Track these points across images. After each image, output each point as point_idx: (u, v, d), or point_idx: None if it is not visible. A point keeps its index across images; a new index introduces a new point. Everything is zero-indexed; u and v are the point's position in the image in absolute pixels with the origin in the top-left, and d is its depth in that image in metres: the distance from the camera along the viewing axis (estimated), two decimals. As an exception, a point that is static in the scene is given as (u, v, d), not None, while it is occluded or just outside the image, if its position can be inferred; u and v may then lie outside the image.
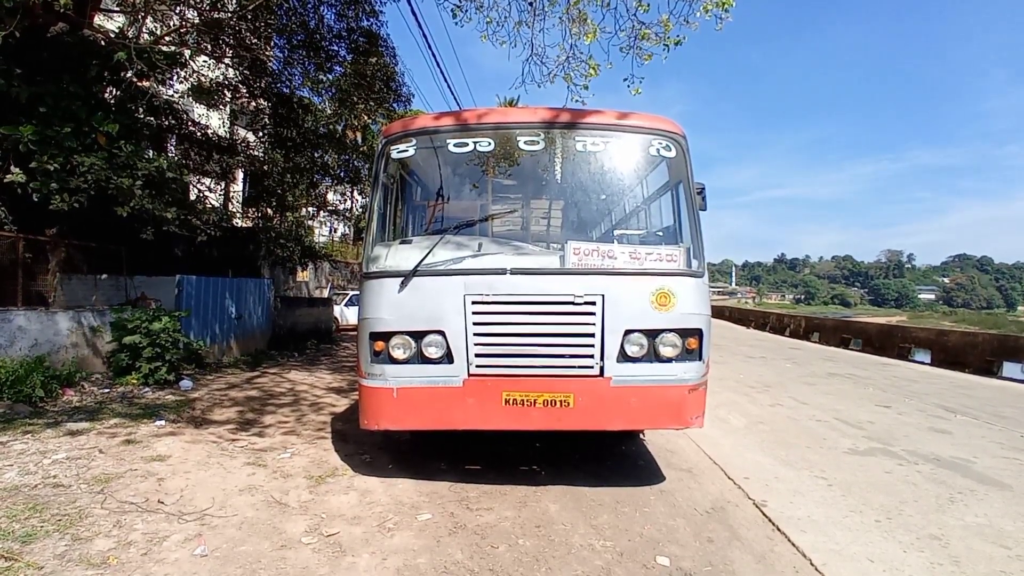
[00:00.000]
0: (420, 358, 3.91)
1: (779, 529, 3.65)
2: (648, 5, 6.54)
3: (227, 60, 10.62)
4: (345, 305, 18.08)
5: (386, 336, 3.93)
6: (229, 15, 9.30)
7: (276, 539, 3.24)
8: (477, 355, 3.85)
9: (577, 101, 7.13)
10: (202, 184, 12.57)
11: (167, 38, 9.27)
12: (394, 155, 4.38)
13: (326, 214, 16.56)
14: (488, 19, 7.06)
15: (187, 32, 9.31)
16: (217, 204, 13.24)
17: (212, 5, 9.32)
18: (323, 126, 11.77)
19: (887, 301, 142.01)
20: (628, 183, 4.72)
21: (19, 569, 2.76)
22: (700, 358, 3.96)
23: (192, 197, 11.57)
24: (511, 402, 3.82)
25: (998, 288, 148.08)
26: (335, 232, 24.01)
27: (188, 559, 2.97)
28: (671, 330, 3.88)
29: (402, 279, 3.91)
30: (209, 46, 9.85)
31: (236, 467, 4.46)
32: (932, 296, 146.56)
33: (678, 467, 4.87)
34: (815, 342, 18.83)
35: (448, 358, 3.88)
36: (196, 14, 9.48)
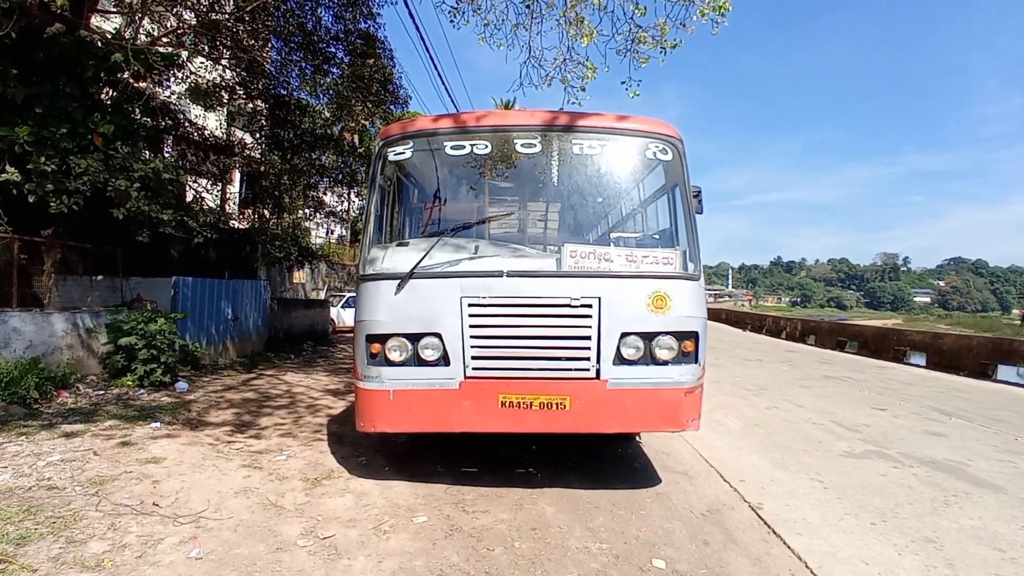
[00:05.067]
0: (416, 360, 3.90)
1: (775, 532, 3.66)
2: (645, 9, 6.57)
3: (224, 62, 10.62)
4: (342, 307, 18.07)
5: (382, 338, 3.92)
6: (226, 17, 9.30)
7: (272, 542, 3.23)
8: (474, 357, 3.85)
9: (574, 103, 7.15)
10: (199, 185, 12.56)
11: (164, 39, 9.27)
12: (391, 157, 4.38)
13: (323, 216, 16.58)
14: (486, 21, 7.07)
15: (184, 33, 9.31)
16: (214, 205, 13.23)
17: (209, 6, 9.32)
18: (320, 128, 11.78)
19: (883, 304, 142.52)
20: (625, 186, 4.73)
21: (13, 572, 2.74)
22: (696, 361, 3.97)
23: (189, 198, 11.56)
24: (507, 404, 3.82)
25: (993, 291, 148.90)
26: (332, 234, 24.02)
27: (183, 562, 2.95)
28: (667, 333, 3.89)
29: (399, 281, 3.91)
30: (206, 47, 9.86)
31: (232, 469, 4.44)
32: (927, 299, 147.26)
33: (674, 470, 4.88)
34: (811, 345, 18.88)
35: (444, 360, 3.87)
36: (193, 15, 9.47)
